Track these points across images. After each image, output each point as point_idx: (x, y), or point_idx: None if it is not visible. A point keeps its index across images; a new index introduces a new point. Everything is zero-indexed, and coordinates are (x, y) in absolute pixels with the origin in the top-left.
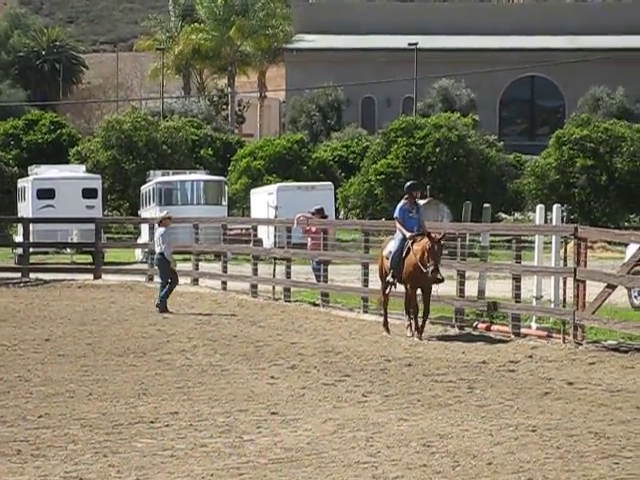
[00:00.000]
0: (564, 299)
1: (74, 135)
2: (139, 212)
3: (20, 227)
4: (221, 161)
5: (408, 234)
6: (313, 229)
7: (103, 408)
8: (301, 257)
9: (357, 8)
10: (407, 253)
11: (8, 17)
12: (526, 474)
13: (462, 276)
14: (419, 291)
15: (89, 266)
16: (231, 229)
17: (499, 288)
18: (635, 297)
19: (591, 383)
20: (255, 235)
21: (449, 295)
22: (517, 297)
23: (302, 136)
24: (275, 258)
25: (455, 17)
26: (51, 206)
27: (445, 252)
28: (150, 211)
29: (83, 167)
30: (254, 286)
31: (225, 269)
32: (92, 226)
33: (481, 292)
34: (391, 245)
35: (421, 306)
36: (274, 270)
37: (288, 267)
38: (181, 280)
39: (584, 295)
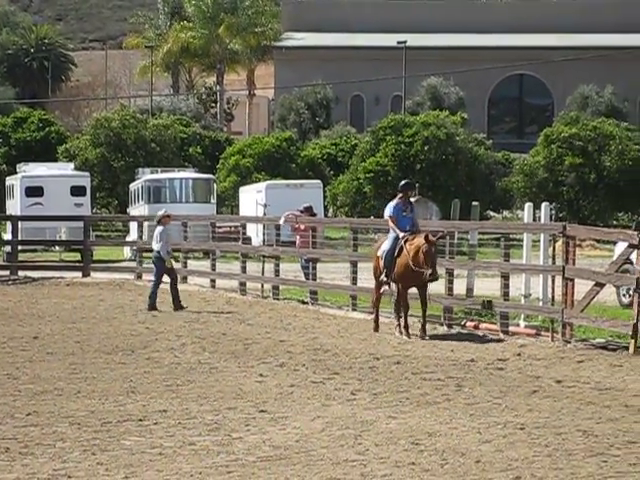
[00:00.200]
0: (552, 297)
1: (63, 133)
2: (128, 210)
3: (8, 225)
4: (210, 159)
5: (401, 234)
6: (302, 227)
7: (91, 406)
8: (290, 255)
9: (346, 6)
10: (399, 252)
11: None
12: (514, 472)
13: (450, 274)
14: (413, 290)
15: (78, 264)
16: (220, 227)
17: (487, 286)
18: (623, 295)
19: (579, 381)
20: (244, 233)
21: (437, 293)
22: (505, 295)
23: (291, 134)
24: (264, 256)
25: (444, 15)
26: (39, 204)
27: None
28: (139, 209)
29: (72, 165)
30: (243, 284)
31: (214, 267)
32: (81, 224)
33: (469, 290)
34: (385, 244)
35: (415, 304)
36: (263, 268)
37: (277, 265)
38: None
39: (572, 293)
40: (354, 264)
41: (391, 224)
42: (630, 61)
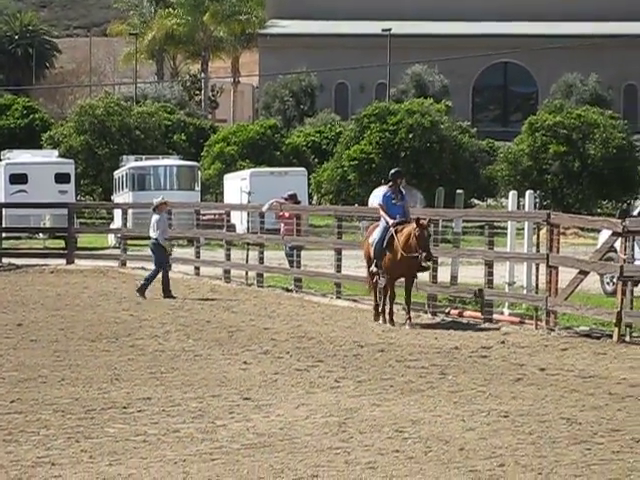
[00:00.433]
0: (537, 285)
1: (47, 120)
2: (112, 197)
3: None
4: (194, 146)
5: (391, 221)
6: (286, 214)
7: (75, 393)
8: (274, 242)
9: None
10: (389, 241)
11: None
12: (498, 459)
13: (435, 262)
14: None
15: (62, 251)
16: (204, 214)
17: (472, 274)
18: (607, 283)
19: (563, 369)
20: (228, 220)
21: (422, 281)
22: (490, 283)
23: (275, 122)
24: (248, 243)
25: (429, 3)
26: (24, 191)
27: None
28: (123, 196)
29: (56, 152)
30: (227, 271)
31: (198, 254)
32: (65, 211)
33: (454, 278)
34: (376, 233)
35: (401, 292)
36: (247, 255)
37: (261, 252)
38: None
39: (556, 281)
40: (338, 252)
41: (381, 212)
42: (614, 49)
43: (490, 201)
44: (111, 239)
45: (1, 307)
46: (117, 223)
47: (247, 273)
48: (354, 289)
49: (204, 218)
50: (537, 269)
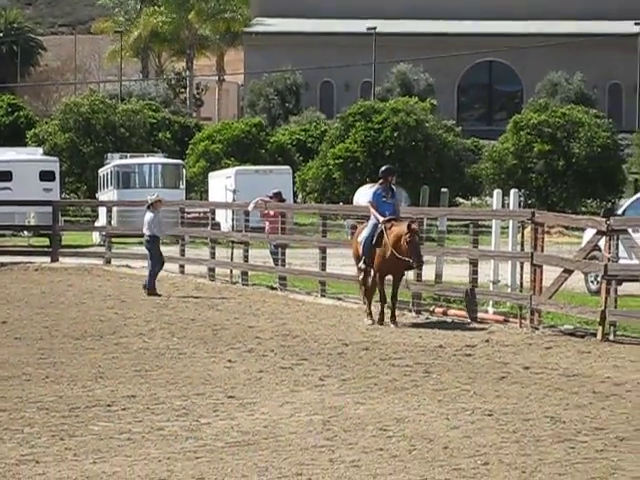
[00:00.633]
0: (521, 284)
1: (32, 117)
2: (97, 195)
3: None
4: (179, 144)
5: (381, 218)
6: (271, 213)
7: (60, 391)
8: (259, 241)
9: None
10: (379, 239)
11: None
12: (482, 458)
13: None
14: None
15: (46, 249)
16: (189, 212)
17: (456, 273)
18: (592, 282)
19: (547, 367)
20: (213, 219)
21: (406, 279)
22: (474, 282)
23: (260, 120)
24: (233, 242)
25: (414, 2)
26: (8, 189)
27: None
28: (108, 194)
29: (40, 150)
30: (212, 270)
31: (183, 252)
32: (49, 209)
33: (438, 276)
34: (365, 231)
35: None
36: (232, 254)
37: (246, 251)
38: (139, 264)
39: (541, 280)
40: (323, 250)
41: (372, 210)
42: (599, 48)
43: (475, 200)
44: (96, 237)
45: None
46: (102, 221)
47: (232, 271)
48: (339, 287)
49: (189, 216)
50: (521, 268)
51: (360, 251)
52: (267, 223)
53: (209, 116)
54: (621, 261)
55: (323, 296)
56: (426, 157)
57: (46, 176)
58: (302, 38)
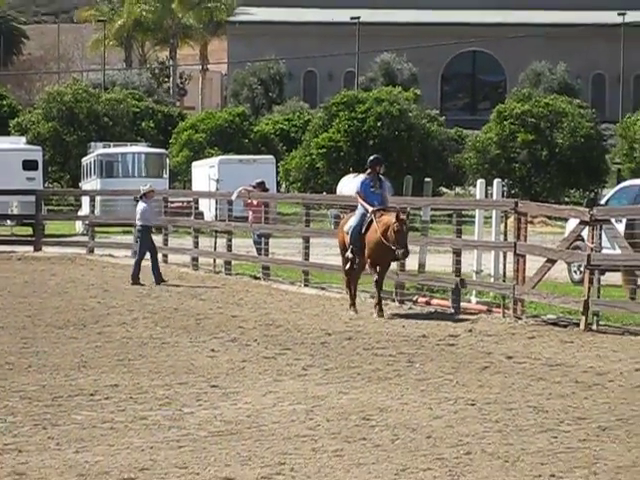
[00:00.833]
0: (504, 273)
1: (15, 106)
2: (80, 184)
3: None
4: (162, 134)
5: (370, 208)
6: (254, 202)
7: (42, 380)
8: (242, 230)
9: None
10: (368, 228)
11: None
12: (465, 447)
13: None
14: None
15: (29, 238)
16: (172, 202)
17: (440, 262)
18: (575, 272)
19: (530, 357)
20: (196, 208)
21: (389, 269)
22: (457, 271)
23: (244, 109)
24: (216, 231)
25: None
26: None
27: None
28: (91, 183)
29: (24, 139)
30: (195, 259)
31: (166, 242)
32: (33, 198)
33: (421, 266)
34: (352, 220)
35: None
36: (215, 243)
37: (229, 240)
38: (122, 252)
39: (524, 269)
40: (306, 240)
41: (360, 200)
42: (583, 38)
43: (458, 189)
44: (79, 226)
45: None
46: (85, 210)
47: (215, 261)
48: (322, 277)
49: (172, 205)
50: (505, 257)
51: (347, 241)
52: (250, 212)
53: (192, 105)
54: (604, 251)
55: (306, 286)
56: (409, 147)
57: (29, 165)
58: (285, 28)
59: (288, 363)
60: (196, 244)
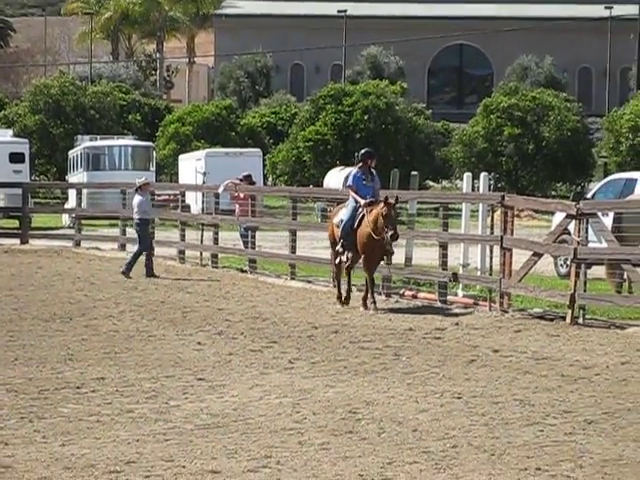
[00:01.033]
0: (491, 267)
1: (1, 99)
2: (67, 177)
3: None
4: (149, 127)
5: (362, 201)
6: (241, 195)
7: (29, 373)
8: (229, 223)
9: None
10: (360, 222)
11: None
12: (451, 441)
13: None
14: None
15: (16, 231)
16: (159, 195)
17: (426, 256)
18: (561, 265)
19: (516, 351)
20: (183, 201)
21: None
22: (444, 265)
23: (231, 102)
24: (203, 224)
25: None
26: None
27: None
28: (78, 176)
29: (10, 131)
30: (182, 252)
31: (153, 235)
32: (19, 191)
33: (408, 259)
34: (342, 213)
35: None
36: (202, 236)
37: (216, 233)
38: (108, 245)
39: (510, 263)
40: (293, 233)
41: (351, 193)
42: (569, 32)
43: (445, 183)
44: (65, 219)
45: None
46: (71, 203)
47: (202, 254)
48: (308, 270)
49: (159, 198)
50: (491, 251)
51: (337, 234)
52: (237, 206)
53: (179, 98)
54: (590, 244)
55: (293, 279)
56: (396, 140)
57: (16, 158)
58: (272, 20)
59: (274, 356)
60: (183, 237)
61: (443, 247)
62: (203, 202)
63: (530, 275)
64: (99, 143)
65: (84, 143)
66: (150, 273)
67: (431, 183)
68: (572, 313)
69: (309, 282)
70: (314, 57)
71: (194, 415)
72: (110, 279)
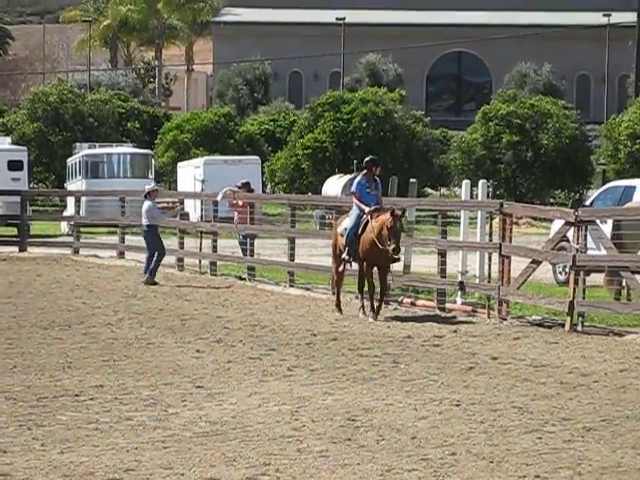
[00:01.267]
0: (489, 274)
1: None
2: (65, 185)
3: None
4: (148, 134)
5: (367, 209)
6: (240, 203)
7: (27, 381)
8: (228, 231)
9: None
10: (364, 229)
11: None
12: (450, 448)
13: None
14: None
15: (14, 239)
16: (158, 202)
17: (425, 263)
18: (560, 273)
19: (515, 358)
20: (182, 209)
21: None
22: (442, 272)
23: (229, 110)
24: (202, 232)
25: None
26: None
27: None
28: (76, 184)
29: (9, 139)
30: (180, 260)
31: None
32: (18, 198)
33: (407, 267)
34: (347, 222)
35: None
36: (200, 244)
37: (214, 241)
38: (107, 253)
39: (509, 270)
40: (292, 240)
41: (355, 201)
42: (568, 39)
43: (443, 190)
44: (64, 227)
45: None
46: (70, 211)
47: (200, 261)
48: (307, 278)
49: (158, 206)
50: (490, 258)
51: (341, 242)
52: (236, 213)
53: (178, 106)
54: (589, 252)
55: (292, 286)
56: (395, 147)
57: (14, 165)
58: (271, 28)
59: (273, 364)
60: (181, 245)
61: (442, 254)
62: (202, 210)
63: (529, 282)
64: (98, 151)
65: (83, 151)
66: (151, 280)
67: (430, 190)
68: (571, 320)
69: (308, 289)
70: (313, 65)
71: (193, 423)
72: (109, 287)
